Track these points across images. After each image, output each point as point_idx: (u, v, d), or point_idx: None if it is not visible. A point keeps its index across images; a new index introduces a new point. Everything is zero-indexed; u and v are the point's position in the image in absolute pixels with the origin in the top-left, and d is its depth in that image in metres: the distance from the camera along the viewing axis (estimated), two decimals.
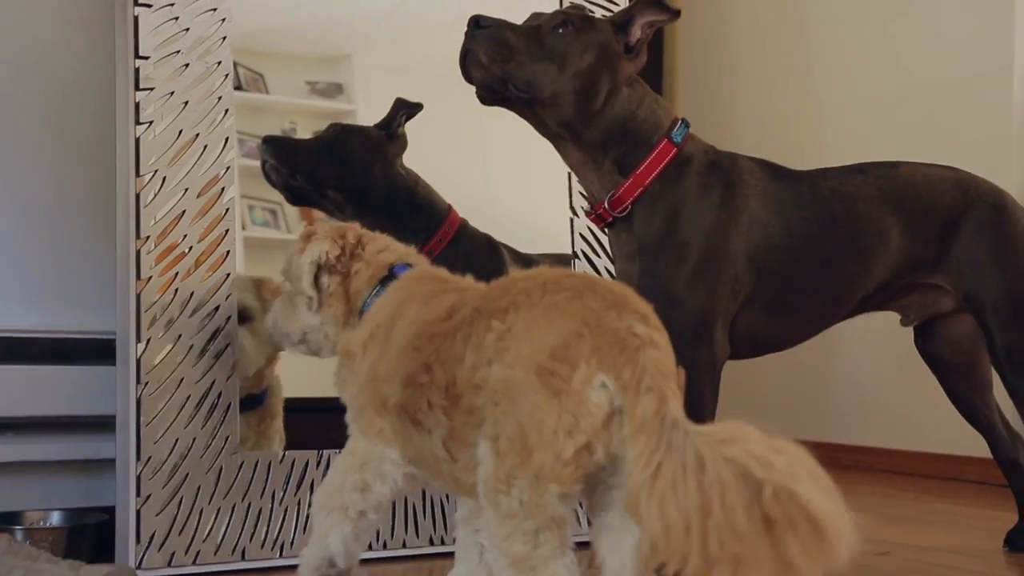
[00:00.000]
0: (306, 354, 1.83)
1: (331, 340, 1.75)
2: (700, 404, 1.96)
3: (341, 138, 2.35)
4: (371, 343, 1.60)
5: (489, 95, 2.01)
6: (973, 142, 3.49)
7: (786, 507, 1.18)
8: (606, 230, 2.18)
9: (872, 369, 3.80)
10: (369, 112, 2.50)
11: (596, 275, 2.46)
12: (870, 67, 3.91)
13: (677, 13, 2.05)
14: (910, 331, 2.38)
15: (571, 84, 1.98)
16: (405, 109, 2.39)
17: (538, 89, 1.98)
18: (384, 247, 1.76)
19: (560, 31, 1.99)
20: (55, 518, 2.20)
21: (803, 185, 2.12)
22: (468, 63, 1.98)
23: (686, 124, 2.09)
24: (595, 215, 2.10)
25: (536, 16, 2.06)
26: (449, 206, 2.40)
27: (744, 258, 2.03)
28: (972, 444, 2.57)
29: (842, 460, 3.87)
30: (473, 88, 2.02)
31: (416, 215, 2.35)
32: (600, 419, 1.31)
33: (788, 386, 4.03)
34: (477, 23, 1.97)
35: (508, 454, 1.32)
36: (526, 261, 2.44)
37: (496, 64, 1.95)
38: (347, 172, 2.33)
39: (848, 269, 2.10)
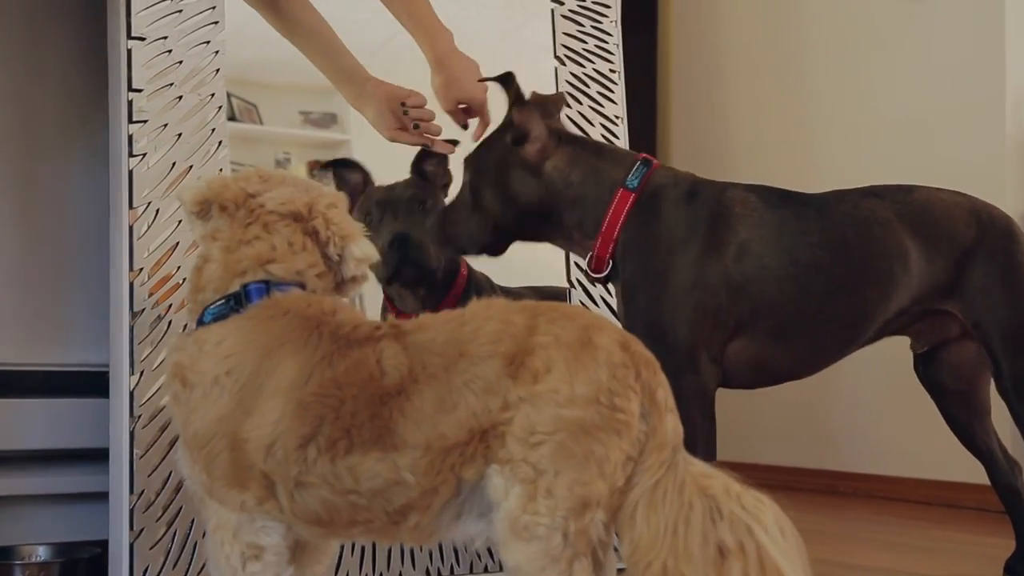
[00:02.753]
0: None
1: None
2: (692, 433, 1.96)
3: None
4: (211, 386, 1.41)
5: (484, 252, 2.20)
6: (967, 169, 3.49)
7: (740, 538, 1.32)
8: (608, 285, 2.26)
9: (870, 396, 3.80)
10: (363, 142, 2.50)
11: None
12: (863, 95, 3.93)
13: (508, 76, 2.11)
14: (908, 358, 2.38)
15: (491, 211, 2.12)
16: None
17: (475, 239, 2.15)
18: (249, 238, 1.47)
19: (468, 177, 2.15)
20: (47, 552, 2.18)
21: (809, 210, 2.11)
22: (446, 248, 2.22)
23: (646, 163, 2.11)
24: (591, 276, 2.18)
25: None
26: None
27: (728, 289, 2.03)
28: (970, 471, 2.56)
29: (840, 487, 3.85)
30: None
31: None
32: (643, 444, 1.37)
33: (786, 414, 4.02)
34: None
35: (555, 490, 1.33)
36: (517, 296, 2.43)
37: (441, 250, 2.21)
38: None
39: (865, 294, 2.09)
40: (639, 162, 2.12)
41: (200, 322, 1.48)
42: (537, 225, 2.15)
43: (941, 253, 2.13)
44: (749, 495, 1.36)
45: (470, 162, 2.17)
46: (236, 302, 1.45)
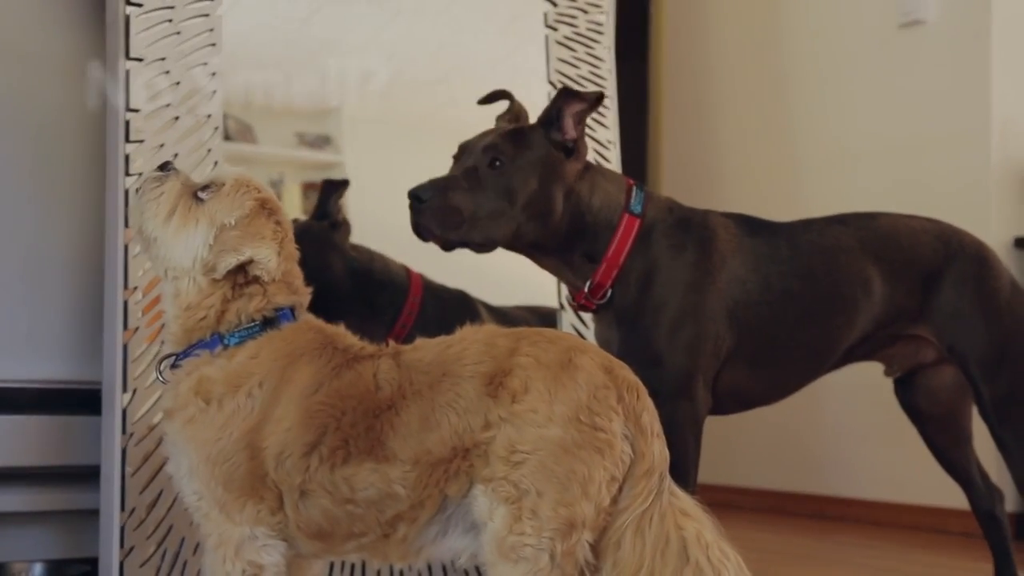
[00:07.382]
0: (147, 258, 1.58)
1: (180, 300, 1.51)
2: (683, 458, 1.97)
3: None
4: (245, 399, 1.45)
5: (452, 248, 1.99)
6: (952, 198, 3.53)
7: None
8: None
9: (857, 421, 3.81)
10: (357, 163, 2.52)
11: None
12: (850, 124, 3.96)
13: (600, 97, 2.01)
14: (893, 383, 2.39)
15: (525, 213, 1.96)
16: (333, 189, 2.28)
17: (499, 237, 1.96)
18: (286, 283, 1.54)
19: (497, 165, 1.95)
20: (38, 570, 2.18)
21: (780, 239, 2.13)
22: (423, 234, 1.95)
23: (641, 188, 2.09)
24: (578, 305, 2.08)
25: (465, 150, 2.01)
26: (408, 272, 2.34)
27: (724, 315, 2.04)
28: (957, 497, 2.58)
29: (827, 512, 3.86)
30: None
31: (380, 294, 2.29)
32: (627, 466, 1.39)
33: (773, 439, 4.03)
34: (418, 198, 1.93)
35: (540, 510, 1.35)
36: (501, 314, 2.43)
37: (450, 232, 1.93)
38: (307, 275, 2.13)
39: (831, 322, 2.12)
40: (634, 186, 2.08)
41: (214, 346, 1.49)
42: (536, 247, 2.01)
43: (904, 278, 2.15)
44: (716, 548, 1.40)
45: (509, 139, 1.96)
46: (268, 325, 1.50)
